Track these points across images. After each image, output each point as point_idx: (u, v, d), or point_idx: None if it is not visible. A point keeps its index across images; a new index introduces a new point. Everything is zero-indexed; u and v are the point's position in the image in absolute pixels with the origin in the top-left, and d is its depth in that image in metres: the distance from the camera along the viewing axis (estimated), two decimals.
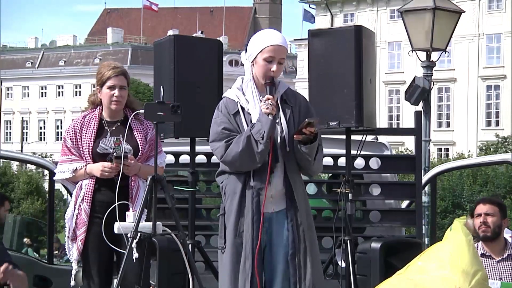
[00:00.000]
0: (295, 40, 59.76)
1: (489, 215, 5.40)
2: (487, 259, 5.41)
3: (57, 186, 7.06)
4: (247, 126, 4.19)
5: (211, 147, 4.29)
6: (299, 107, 4.31)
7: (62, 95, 75.82)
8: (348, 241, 5.31)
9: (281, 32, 4.52)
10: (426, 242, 7.29)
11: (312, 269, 4.21)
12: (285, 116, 4.27)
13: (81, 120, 4.97)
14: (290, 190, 4.25)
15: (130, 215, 4.53)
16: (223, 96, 4.39)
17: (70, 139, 4.93)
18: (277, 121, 4.20)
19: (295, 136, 4.16)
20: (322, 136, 4.39)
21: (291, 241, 4.21)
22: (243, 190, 4.22)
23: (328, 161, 5.95)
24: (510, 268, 5.32)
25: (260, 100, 4.21)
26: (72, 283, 5.04)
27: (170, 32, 48.60)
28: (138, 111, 4.80)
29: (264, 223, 4.22)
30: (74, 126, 4.96)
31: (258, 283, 4.15)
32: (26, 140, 70.80)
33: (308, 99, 4.72)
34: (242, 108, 4.26)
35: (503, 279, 5.37)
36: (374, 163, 6.04)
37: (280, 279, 4.22)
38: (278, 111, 4.24)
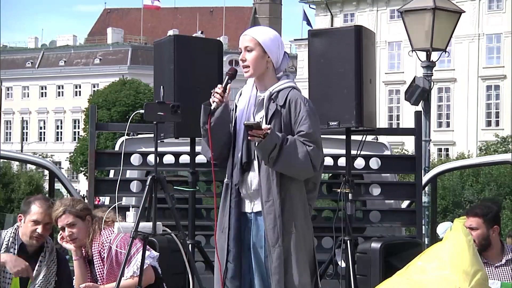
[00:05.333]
0: (295, 40, 59.75)
1: (472, 229, 5.25)
2: (485, 266, 5.36)
3: (57, 186, 7.03)
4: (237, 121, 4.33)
5: None
6: (288, 107, 4.24)
7: (62, 95, 75.80)
8: (348, 241, 5.31)
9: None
10: (426, 242, 7.28)
11: (290, 274, 4.16)
12: (266, 114, 4.24)
13: None
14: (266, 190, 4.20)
15: (130, 215, 4.53)
16: None
17: None
18: (260, 119, 4.24)
19: (249, 137, 4.17)
20: (322, 136, 4.34)
21: (266, 244, 4.21)
22: (226, 188, 4.33)
23: (328, 161, 5.95)
24: (510, 272, 5.29)
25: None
26: None
27: (170, 32, 48.61)
28: None
29: (245, 222, 4.29)
30: None
31: (221, 278, 4.23)
32: (26, 140, 70.81)
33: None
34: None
35: None
36: (374, 163, 6.03)
37: (260, 280, 4.26)
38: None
